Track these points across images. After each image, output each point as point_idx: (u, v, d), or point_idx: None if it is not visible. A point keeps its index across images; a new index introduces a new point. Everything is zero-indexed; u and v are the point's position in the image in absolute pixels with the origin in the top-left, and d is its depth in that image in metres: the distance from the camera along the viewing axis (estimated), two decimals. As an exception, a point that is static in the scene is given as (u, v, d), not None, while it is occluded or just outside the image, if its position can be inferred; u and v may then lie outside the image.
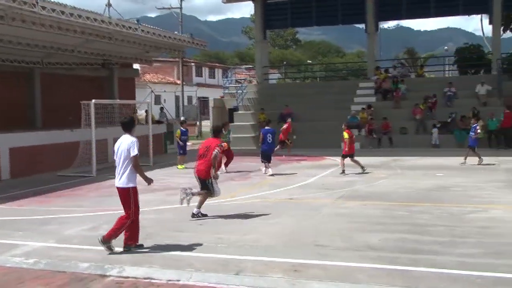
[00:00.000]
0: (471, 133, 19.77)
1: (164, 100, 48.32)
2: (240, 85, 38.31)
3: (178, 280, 6.88)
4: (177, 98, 46.99)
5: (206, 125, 39.49)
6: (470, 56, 34.59)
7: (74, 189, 15.72)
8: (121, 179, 8.29)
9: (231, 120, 33.15)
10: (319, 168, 19.22)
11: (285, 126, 23.61)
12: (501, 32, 35.20)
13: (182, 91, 33.50)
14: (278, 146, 22.17)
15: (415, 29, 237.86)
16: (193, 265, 7.44)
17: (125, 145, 8.28)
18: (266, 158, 17.84)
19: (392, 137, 27.35)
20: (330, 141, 26.11)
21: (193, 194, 10.85)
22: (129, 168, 8.24)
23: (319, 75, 45.86)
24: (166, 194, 14.00)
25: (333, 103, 30.06)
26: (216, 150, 10.55)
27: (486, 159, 19.24)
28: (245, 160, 19.04)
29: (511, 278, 6.68)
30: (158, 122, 29.77)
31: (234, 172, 18.28)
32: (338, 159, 21.45)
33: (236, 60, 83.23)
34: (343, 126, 18.18)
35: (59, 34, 19.54)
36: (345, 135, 17.75)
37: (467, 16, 42.14)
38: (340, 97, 31.00)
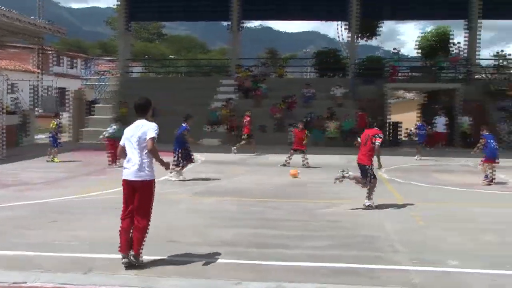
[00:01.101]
0: (421, 131, 22.45)
1: (22, 89, 45.69)
2: (101, 77, 37.25)
3: (24, 282, 6.46)
4: (34, 87, 44.64)
5: (65, 117, 37.84)
6: (328, 60, 36.18)
7: None
8: (140, 171, 7.05)
9: (90, 113, 32.13)
10: (179, 164, 19.11)
11: (246, 119, 23.77)
12: (357, 39, 37.28)
13: (40, 80, 31.82)
14: (243, 141, 22.96)
15: (279, 30, 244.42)
16: (41, 266, 7.03)
17: (143, 130, 7.04)
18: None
19: (252, 134, 27.87)
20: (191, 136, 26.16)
21: (348, 177, 11.60)
22: (148, 157, 7.11)
23: (182, 70, 45.59)
24: (19, 190, 13.25)
25: (195, 98, 30.13)
26: (377, 141, 11.37)
27: (340, 158, 20.21)
28: (104, 154, 18.53)
29: (354, 268, 7.09)
30: (12, 112, 28.10)
31: (92, 166, 17.75)
32: (196, 154, 21.62)
33: (99, 51, 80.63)
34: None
35: None
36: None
37: (327, 21, 44.22)
38: (202, 93, 31.16)
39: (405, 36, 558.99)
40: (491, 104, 30.01)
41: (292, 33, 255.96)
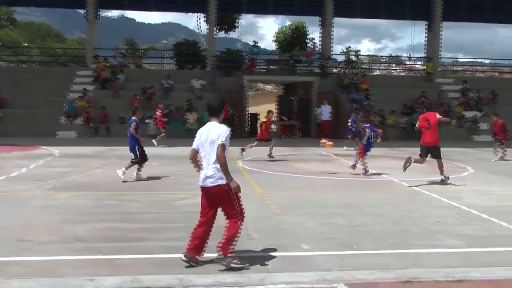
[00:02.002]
0: (353, 125, 23.54)
1: None
2: None
3: None
4: None
5: None
6: (188, 52, 36.19)
7: None
8: (213, 177, 6.74)
9: None
10: (31, 158, 18.24)
11: (158, 112, 23.83)
12: (216, 32, 37.67)
13: None
14: (161, 135, 22.87)
15: (138, 20, 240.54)
16: None
17: (216, 134, 6.82)
18: None
19: (110, 126, 27.29)
20: (45, 129, 25.23)
21: (412, 162, 13.18)
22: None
23: (37, 60, 43.41)
24: None
25: (50, 89, 28.94)
26: (437, 115, 13.48)
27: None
28: None
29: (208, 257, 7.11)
30: None
31: None
32: (51, 148, 20.85)
33: None
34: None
35: None
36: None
37: (187, 13, 44.20)
38: (58, 83, 30.02)
39: (264, 30, 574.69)
40: (344, 96, 31.66)
41: (152, 24, 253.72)
